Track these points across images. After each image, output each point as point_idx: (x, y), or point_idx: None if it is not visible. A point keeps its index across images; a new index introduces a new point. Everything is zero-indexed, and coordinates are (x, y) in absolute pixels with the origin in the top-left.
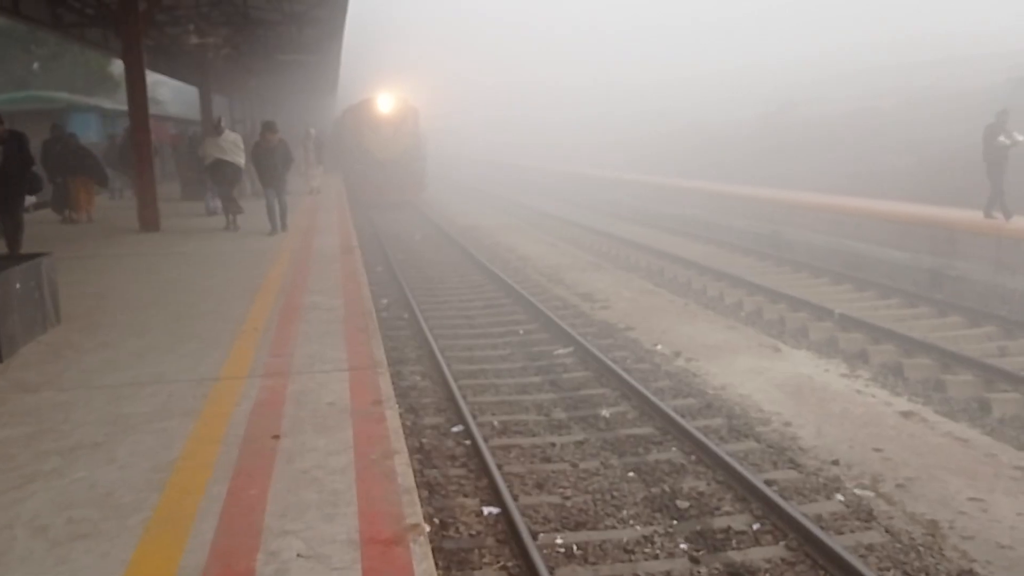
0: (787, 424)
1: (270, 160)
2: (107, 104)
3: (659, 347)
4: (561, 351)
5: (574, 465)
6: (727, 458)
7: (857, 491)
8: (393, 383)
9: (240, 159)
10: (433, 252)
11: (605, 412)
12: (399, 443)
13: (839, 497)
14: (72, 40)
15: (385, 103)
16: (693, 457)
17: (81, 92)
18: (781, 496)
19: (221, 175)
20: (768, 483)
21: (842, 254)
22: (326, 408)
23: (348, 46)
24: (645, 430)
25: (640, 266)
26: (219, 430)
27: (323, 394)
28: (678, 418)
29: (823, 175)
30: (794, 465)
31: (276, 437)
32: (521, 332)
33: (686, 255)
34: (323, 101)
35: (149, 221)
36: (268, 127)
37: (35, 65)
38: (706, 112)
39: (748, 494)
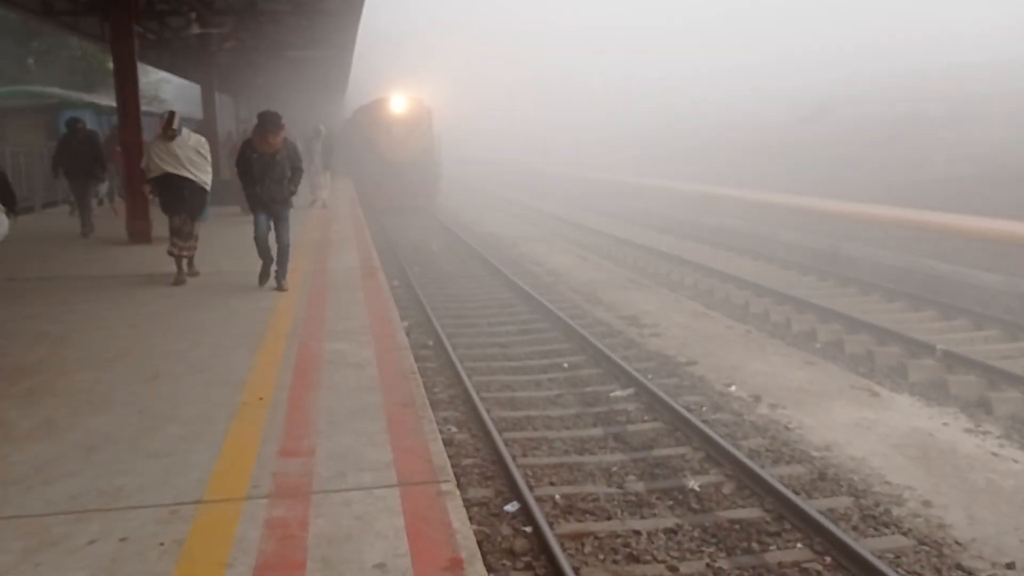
0: (927, 504)
1: (270, 173)
2: (104, 101)
3: (733, 388)
4: (619, 393)
5: (673, 569)
6: (879, 564)
7: None
8: None
9: (206, 176)
10: (454, 265)
11: (693, 483)
12: None
13: None
14: (65, 30)
15: (398, 103)
16: (829, 559)
17: (80, 89)
18: None
19: (176, 199)
20: None
21: (918, 274)
22: None
23: (360, 43)
24: (752, 513)
25: (686, 284)
26: None
27: (365, 544)
28: (791, 496)
29: (873, 184)
30: (963, 572)
31: None
32: (566, 366)
33: (736, 272)
34: (333, 101)
35: (139, 232)
36: (268, 122)
37: (30, 60)
38: (733, 112)
39: None
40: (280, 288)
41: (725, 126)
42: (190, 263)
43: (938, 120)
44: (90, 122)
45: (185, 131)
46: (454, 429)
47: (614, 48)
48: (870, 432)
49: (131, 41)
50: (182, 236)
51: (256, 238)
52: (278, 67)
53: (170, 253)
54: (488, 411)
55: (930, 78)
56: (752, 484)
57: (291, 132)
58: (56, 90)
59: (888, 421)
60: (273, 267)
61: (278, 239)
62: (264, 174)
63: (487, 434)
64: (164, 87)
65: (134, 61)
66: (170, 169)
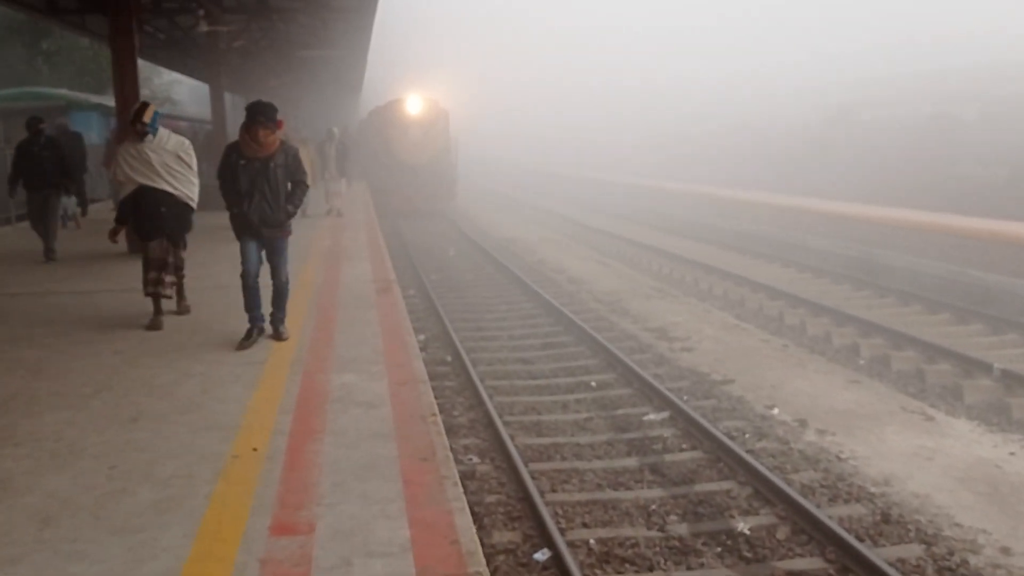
0: (1006, 552)
1: (260, 186)
2: (111, 102)
3: (776, 411)
4: (652, 416)
5: None
6: None
7: None
8: None
9: (190, 188)
10: (471, 272)
11: (743, 526)
12: None
13: None
14: (72, 29)
15: (414, 104)
16: None
17: (91, 90)
18: None
19: (151, 218)
20: None
21: (960, 284)
22: None
23: (375, 43)
24: (813, 563)
25: (714, 293)
26: None
27: None
28: (856, 544)
29: (903, 187)
30: None
31: None
32: (594, 384)
33: (766, 280)
34: (347, 102)
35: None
36: (259, 114)
37: (39, 61)
38: (754, 114)
39: None
40: (278, 336)
41: (736, 128)
42: (180, 295)
43: (968, 122)
44: (97, 124)
45: (163, 131)
46: (475, 459)
47: (614, 49)
48: (931, 463)
49: (131, 39)
50: (162, 268)
51: (244, 276)
52: (290, 67)
53: (147, 295)
54: (512, 438)
55: (949, 80)
56: (809, 528)
57: (297, 135)
58: (63, 91)
59: (948, 450)
60: (261, 311)
61: (273, 275)
62: (253, 187)
63: (512, 465)
64: (177, 88)
65: (134, 60)
66: (142, 180)
